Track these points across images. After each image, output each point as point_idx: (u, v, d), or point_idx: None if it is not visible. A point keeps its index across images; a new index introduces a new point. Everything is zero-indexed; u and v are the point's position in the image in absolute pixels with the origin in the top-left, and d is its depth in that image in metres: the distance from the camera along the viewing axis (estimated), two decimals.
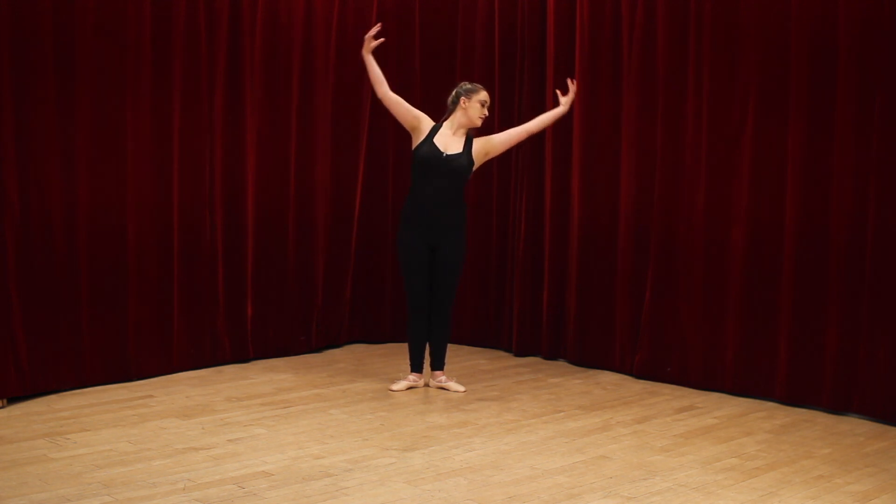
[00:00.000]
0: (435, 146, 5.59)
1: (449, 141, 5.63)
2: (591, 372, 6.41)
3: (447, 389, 5.80)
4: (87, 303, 5.55)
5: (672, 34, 6.03)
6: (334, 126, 6.77)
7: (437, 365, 5.87)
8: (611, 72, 6.35)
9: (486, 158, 5.79)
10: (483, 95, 5.68)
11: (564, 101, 5.83)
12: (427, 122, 5.68)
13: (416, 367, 5.84)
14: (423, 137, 5.62)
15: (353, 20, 6.81)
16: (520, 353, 6.82)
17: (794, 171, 5.57)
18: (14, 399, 5.21)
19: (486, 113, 5.72)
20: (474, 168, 5.70)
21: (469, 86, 5.71)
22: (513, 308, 6.87)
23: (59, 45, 5.34)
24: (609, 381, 6.15)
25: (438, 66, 7.08)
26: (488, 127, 6.87)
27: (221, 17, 6.10)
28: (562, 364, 6.62)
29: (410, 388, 5.80)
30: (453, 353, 6.75)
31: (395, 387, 5.76)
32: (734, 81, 5.78)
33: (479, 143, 5.72)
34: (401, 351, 6.61)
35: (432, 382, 5.87)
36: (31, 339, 5.28)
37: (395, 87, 7.01)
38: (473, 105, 5.63)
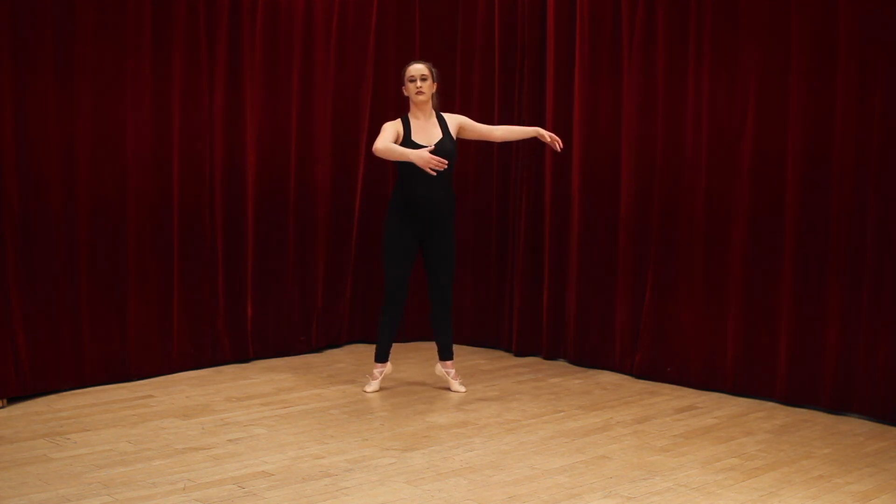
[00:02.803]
0: (416, 145, 5.43)
1: (425, 131, 5.50)
2: (591, 372, 6.41)
3: (449, 387, 5.79)
4: (87, 303, 5.55)
5: (672, 33, 6.03)
6: (334, 126, 6.77)
7: (447, 355, 5.83)
8: (611, 71, 6.34)
9: (459, 136, 5.62)
10: (409, 71, 5.52)
11: (546, 136, 5.59)
12: (397, 123, 5.52)
13: (383, 358, 5.76)
14: (402, 139, 5.48)
15: (353, 20, 6.81)
16: (520, 353, 6.82)
17: (794, 171, 5.57)
18: (14, 399, 5.21)
19: (420, 85, 5.46)
20: None
21: (403, 69, 5.61)
22: (513, 308, 6.87)
23: (59, 42, 5.34)
24: (609, 381, 6.15)
25: (438, 66, 7.05)
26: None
27: (221, 15, 6.10)
28: (562, 364, 6.62)
29: (381, 388, 5.75)
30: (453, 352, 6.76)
31: (368, 388, 5.72)
32: (734, 81, 5.78)
33: (451, 119, 5.61)
34: (401, 351, 6.63)
35: (440, 369, 5.86)
36: (31, 339, 5.28)
37: (395, 88, 7.04)
38: (406, 86, 5.55)
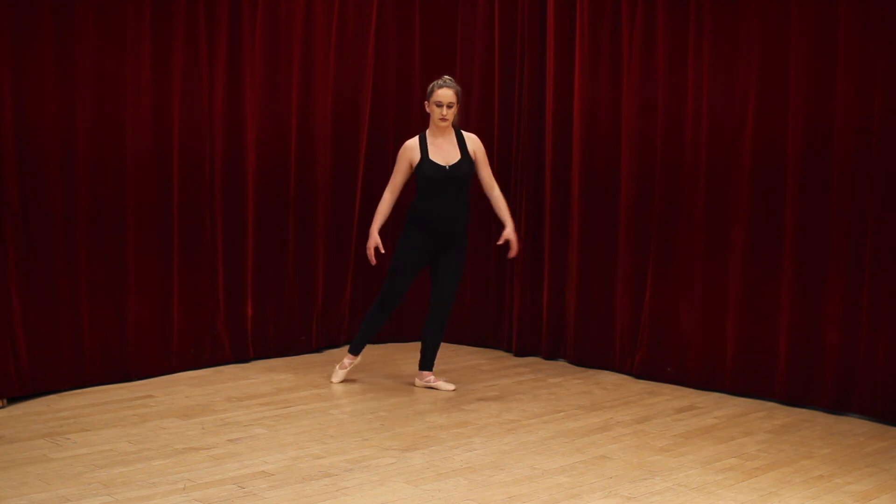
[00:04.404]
0: (434, 164, 5.50)
1: (443, 150, 5.54)
2: (591, 372, 6.41)
3: (437, 389, 5.79)
4: (87, 303, 5.55)
5: (672, 33, 6.03)
6: (335, 126, 6.77)
7: (428, 365, 5.84)
8: (611, 71, 6.34)
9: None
10: (438, 95, 5.47)
11: (507, 239, 5.72)
12: (413, 148, 5.55)
13: (355, 350, 5.85)
14: (419, 159, 5.53)
15: (353, 20, 6.81)
16: (520, 353, 6.82)
17: (795, 171, 5.57)
18: (14, 399, 5.21)
19: (445, 113, 5.46)
20: None
21: (431, 86, 5.57)
22: (513, 308, 6.87)
23: (58, 39, 5.34)
24: (609, 381, 6.15)
25: (438, 66, 7.07)
26: (489, 126, 6.91)
27: (221, 16, 6.09)
28: (562, 364, 6.62)
29: (347, 378, 5.88)
30: (453, 353, 6.77)
31: (334, 379, 5.86)
32: (734, 81, 5.78)
33: (471, 141, 5.63)
34: (402, 350, 6.63)
35: (419, 382, 5.85)
36: (31, 339, 5.28)
37: (395, 88, 7.05)
38: (431, 108, 5.53)
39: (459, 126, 5.70)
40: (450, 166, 5.52)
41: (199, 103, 6.04)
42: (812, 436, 5.05)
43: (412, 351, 6.25)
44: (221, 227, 6.22)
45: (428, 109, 5.56)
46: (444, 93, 5.48)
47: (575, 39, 6.47)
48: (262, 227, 6.44)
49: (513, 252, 5.80)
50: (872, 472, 4.50)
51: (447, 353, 6.60)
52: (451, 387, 5.79)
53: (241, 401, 5.42)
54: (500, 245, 5.84)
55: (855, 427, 5.23)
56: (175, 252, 5.97)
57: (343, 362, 5.89)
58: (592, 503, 4.00)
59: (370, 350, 6.86)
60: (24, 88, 5.23)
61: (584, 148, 6.45)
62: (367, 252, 5.67)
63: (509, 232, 5.73)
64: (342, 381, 5.88)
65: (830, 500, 4.11)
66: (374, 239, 5.64)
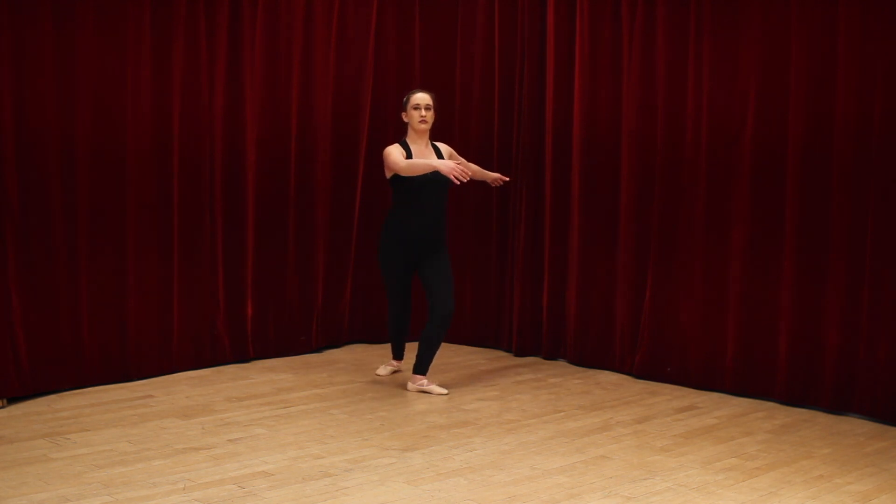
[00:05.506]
0: None
1: (423, 156, 5.62)
2: (591, 372, 6.41)
3: (430, 393, 5.72)
4: (87, 303, 5.55)
5: (672, 33, 6.03)
6: (335, 126, 6.77)
7: (422, 370, 5.75)
8: (611, 71, 6.34)
9: None
10: (415, 99, 5.63)
11: (494, 178, 6.01)
12: (401, 149, 5.61)
13: (394, 355, 6.14)
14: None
15: (353, 20, 6.81)
16: (520, 353, 6.82)
17: (794, 170, 5.57)
18: (14, 399, 5.21)
19: (424, 114, 5.60)
20: None
21: (406, 96, 5.72)
22: (513, 308, 6.87)
23: (59, 37, 5.34)
24: (609, 381, 6.15)
25: (438, 66, 7.08)
26: (489, 126, 6.91)
27: (221, 16, 6.09)
28: (562, 364, 6.63)
29: (395, 371, 6.14)
30: (453, 353, 6.77)
31: (378, 371, 6.12)
32: (734, 80, 5.78)
33: (445, 149, 5.79)
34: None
35: (412, 386, 5.75)
36: (31, 339, 5.28)
37: (395, 88, 7.05)
38: (409, 113, 5.64)
39: (457, 125, 5.74)
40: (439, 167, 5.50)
41: (199, 103, 6.04)
42: (812, 436, 5.05)
43: (412, 351, 6.24)
44: (221, 227, 6.22)
45: (406, 118, 5.67)
46: (421, 95, 5.65)
47: (575, 39, 6.47)
48: (262, 227, 6.44)
49: (505, 177, 6.07)
50: (872, 472, 4.50)
51: (447, 353, 6.61)
52: (445, 391, 5.74)
53: (241, 401, 5.43)
54: (498, 185, 6.09)
55: (855, 427, 5.23)
56: (175, 252, 5.97)
57: (391, 362, 6.17)
58: (592, 503, 4.00)
59: (370, 350, 6.87)
60: (24, 88, 5.23)
61: (584, 148, 6.46)
62: (455, 171, 5.20)
63: (494, 175, 6.03)
64: (387, 374, 6.15)
65: (830, 500, 4.11)
66: (446, 162, 5.32)
